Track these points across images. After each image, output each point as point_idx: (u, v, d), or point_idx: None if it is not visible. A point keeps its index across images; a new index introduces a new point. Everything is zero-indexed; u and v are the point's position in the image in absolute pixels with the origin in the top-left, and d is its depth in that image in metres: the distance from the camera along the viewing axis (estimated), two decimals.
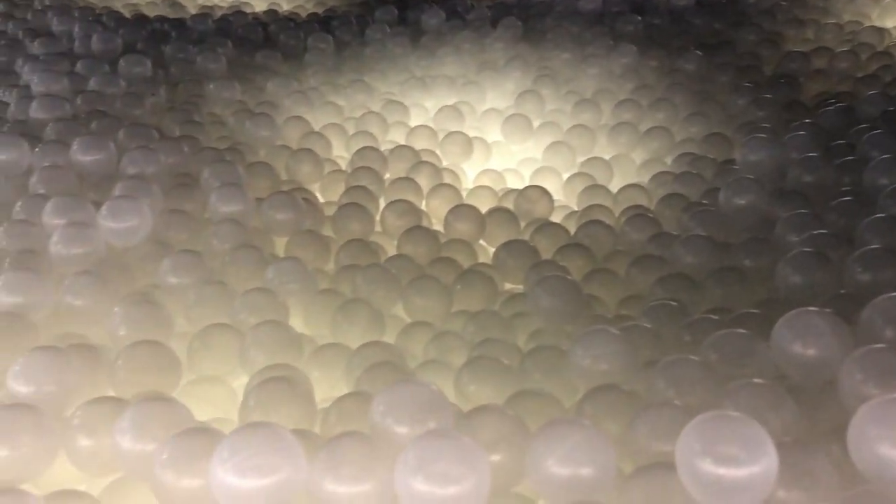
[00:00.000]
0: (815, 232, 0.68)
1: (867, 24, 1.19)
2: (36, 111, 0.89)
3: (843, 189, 0.76)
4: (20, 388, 0.50)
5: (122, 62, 1.03)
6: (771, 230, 0.71)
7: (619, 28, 1.17)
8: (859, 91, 1.00)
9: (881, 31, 1.15)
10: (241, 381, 0.55)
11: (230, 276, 0.66)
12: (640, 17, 1.19)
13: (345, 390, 0.53)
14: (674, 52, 1.10)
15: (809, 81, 1.05)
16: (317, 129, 0.97)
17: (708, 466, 0.37)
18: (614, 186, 0.88)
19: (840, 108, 0.93)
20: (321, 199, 0.86)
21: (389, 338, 0.62)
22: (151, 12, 1.36)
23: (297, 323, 0.62)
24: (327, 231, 0.78)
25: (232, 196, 0.74)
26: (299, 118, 0.98)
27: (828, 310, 0.49)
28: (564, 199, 0.89)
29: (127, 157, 0.79)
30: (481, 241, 0.79)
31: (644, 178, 0.90)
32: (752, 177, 0.78)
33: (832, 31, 1.18)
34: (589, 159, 0.93)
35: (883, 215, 0.67)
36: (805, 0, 1.29)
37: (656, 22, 1.19)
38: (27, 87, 0.97)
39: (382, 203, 0.83)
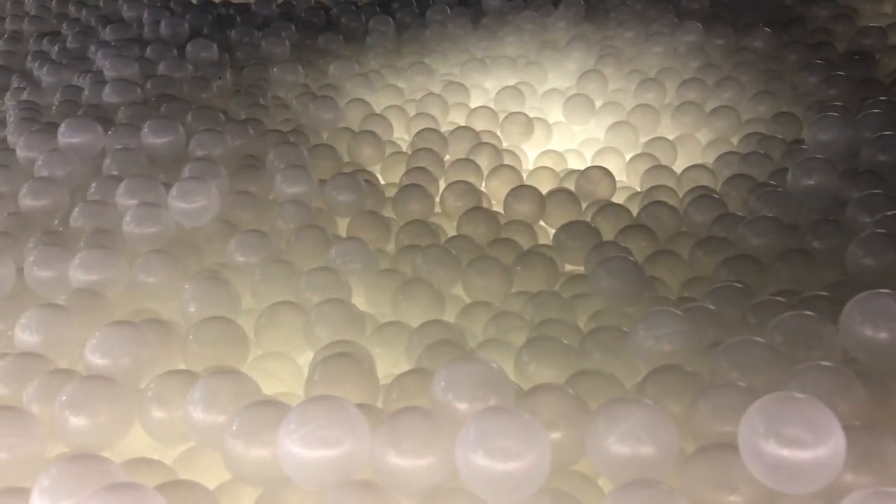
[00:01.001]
0: (889, 213, 0.65)
1: None
2: (108, 95, 0.92)
3: None
4: (97, 360, 0.52)
5: (189, 47, 1.06)
6: (841, 211, 0.69)
7: (684, 5, 1.15)
8: None
9: None
10: (305, 357, 0.56)
11: (295, 256, 0.67)
12: None
13: (406, 367, 0.54)
14: (741, 30, 1.07)
15: (886, 58, 1.01)
16: (378, 111, 0.98)
17: (772, 448, 0.37)
18: (678, 167, 0.87)
19: None
20: (382, 181, 0.87)
21: (449, 317, 0.62)
22: None
23: (359, 301, 0.63)
24: (388, 212, 0.79)
25: (296, 177, 0.76)
26: (361, 101, 0.99)
27: None
28: (627, 179, 0.88)
29: (195, 140, 0.81)
30: (541, 223, 0.79)
31: (709, 159, 0.88)
32: (822, 156, 0.75)
33: None
34: (652, 139, 0.92)
35: None
36: None
37: None
38: (100, 72, 1.00)
39: (442, 184, 0.83)
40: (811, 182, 0.73)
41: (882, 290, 0.48)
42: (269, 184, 0.77)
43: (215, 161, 0.78)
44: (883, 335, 0.46)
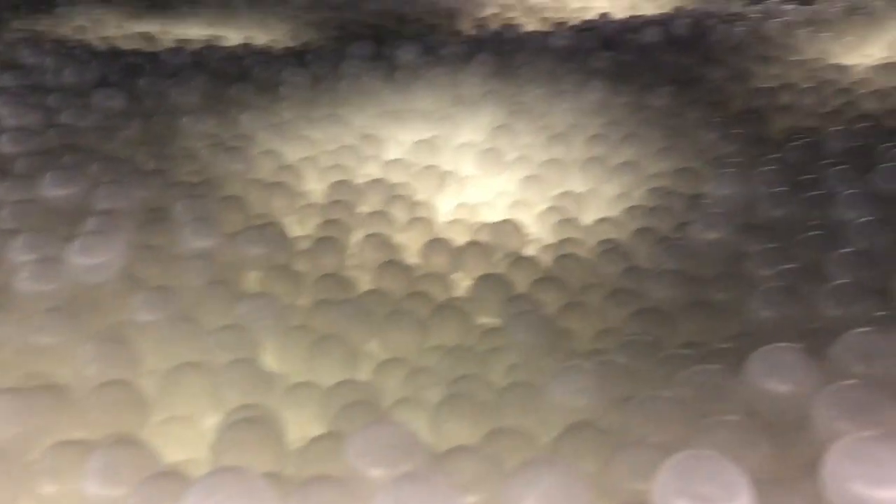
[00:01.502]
0: (785, 266, 0.68)
1: (830, 61, 1.22)
2: (6, 145, 0.89)
3: (811, 223, 0.77)
4: None
5: (95, 95, 1.03)
6: (742, 264, 0.72)
7: (590, 64, 1.19)
8: (824, 126, 1.02)
9: (843, 69, 1.18)
10: (211, 421, 0.54)
11: (202, 313, 0.65)
12: (610, 54, 1.21)
13: (318, 430, 0.53)
14: (644, 89, 1.12)
15: (776, 116, 1.07)
16: (291, 162, 0.97)
17: None
18: (587, 220, 0.89)
19: (806, 143, 0.95)
20: (294, 233, 0.85)
21: (364, 374, 0.61)
22: (126, 46, 1.36)
23: (269, 359, 0.61)
24: (300, 265, 0.77)
25: (204, 231, 0.74)
26: (272, 151, 0.98)
27: (797, 345, 0.50)
28: (538, 232, 0.90)
29: (98, 192, 0.78)
30: (456, 274, 0.79)
31: (616, 212, 0.91)
32: (721, 211, 0.79)
33: (797, 68, 1.21)
34: (561, 193, 0.94)
35: (851, 249, 0.68)
36: (771, 37, 1.32)
37: (626, 58, 1.21)
38: None
39: (356, 237, 0.82)
40: (712, 236, 0.76)
41: (781, 344, 0.50)
42: (176, 237, 0.75)
43: (119, 214, 0.75)
44: (783, 388, 0.48)
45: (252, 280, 0.74)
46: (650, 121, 1.05)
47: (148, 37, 1.40)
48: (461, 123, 1.08)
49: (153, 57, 1.25)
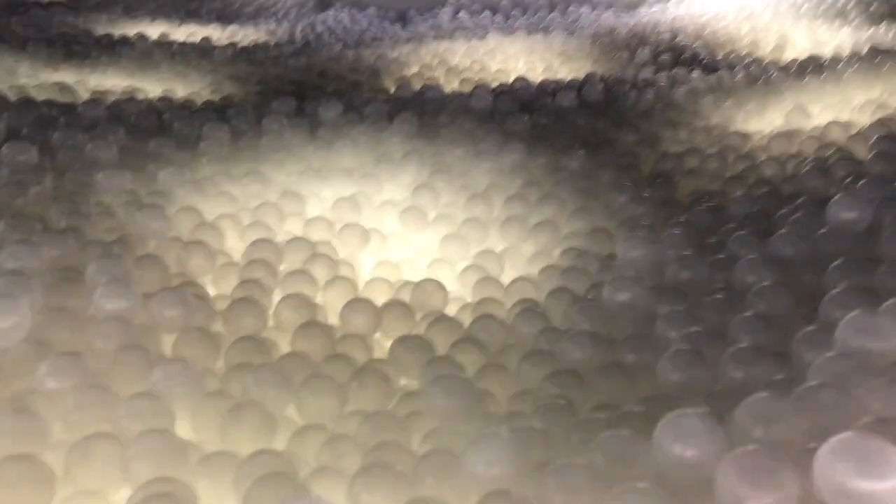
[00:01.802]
0: (692, 329, 0.71)
1: (732, 128, 1.29)
2: None
3: (716, 286, 0.81)
4: None
5: (4, 148, 1.00)
6: (652, 326, 0.75)
7: (508, 126, 1.23)
8: (727, 191, 1.07)
9: (744, 135, 1.25)
10: (121, 495, 0.52)
11: (113, 379, 0.63)
12: (527, 116, 1.25)
13: (233, 501, 0.52)
14: (560, 150, 1.16)
15: (684, 180, 1.12)
16: (211, 219, 0.96)
17: None
18: (506, 278, 0.91)
19: (711, 208, 1.00)
20: (212, 293, 0.84)
21: (281, 441, 0.60)
22: (40, 96, 1.33)
23: (183, 427, 0.60)
24: (218, 326, 0.76)
25: (118, 292, 0.72)
26: (191, 209, 0.97)
27: (703, 410, 0.52)
28: (458, 290, 0.91)
29: (6, 251, 0.76)
30: (377, 335, 0.79)
31: (533, 271, 0.93)
32: (632, 274, 0.82)
33: (702, 134, 1.27)
34: (482, 252, 0.96)
35: (752, 313, 0.72)
36: (678, 104, 1.39)
37: (543, 121, 1.26)
38: None
39: (277, 297, 0.82)
40: (623, 298, 0.79)
41: (689, 410, 0.52)
42: (89, 299, 0.73)
43: (28, 275, 0.73)
44: (689, 453, 0.50)
45: (168, 343, 0.72)
46: (566, 182, 1.09)
47: (63, 87, 1.37)
48: (383, 181, 1.10)
49: (68, 108, 1.22)
